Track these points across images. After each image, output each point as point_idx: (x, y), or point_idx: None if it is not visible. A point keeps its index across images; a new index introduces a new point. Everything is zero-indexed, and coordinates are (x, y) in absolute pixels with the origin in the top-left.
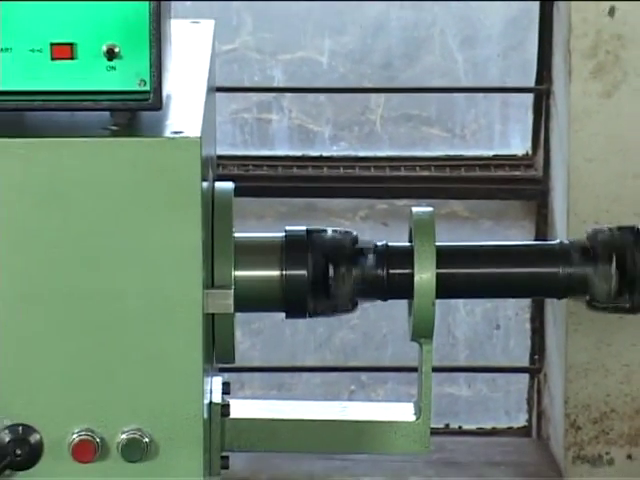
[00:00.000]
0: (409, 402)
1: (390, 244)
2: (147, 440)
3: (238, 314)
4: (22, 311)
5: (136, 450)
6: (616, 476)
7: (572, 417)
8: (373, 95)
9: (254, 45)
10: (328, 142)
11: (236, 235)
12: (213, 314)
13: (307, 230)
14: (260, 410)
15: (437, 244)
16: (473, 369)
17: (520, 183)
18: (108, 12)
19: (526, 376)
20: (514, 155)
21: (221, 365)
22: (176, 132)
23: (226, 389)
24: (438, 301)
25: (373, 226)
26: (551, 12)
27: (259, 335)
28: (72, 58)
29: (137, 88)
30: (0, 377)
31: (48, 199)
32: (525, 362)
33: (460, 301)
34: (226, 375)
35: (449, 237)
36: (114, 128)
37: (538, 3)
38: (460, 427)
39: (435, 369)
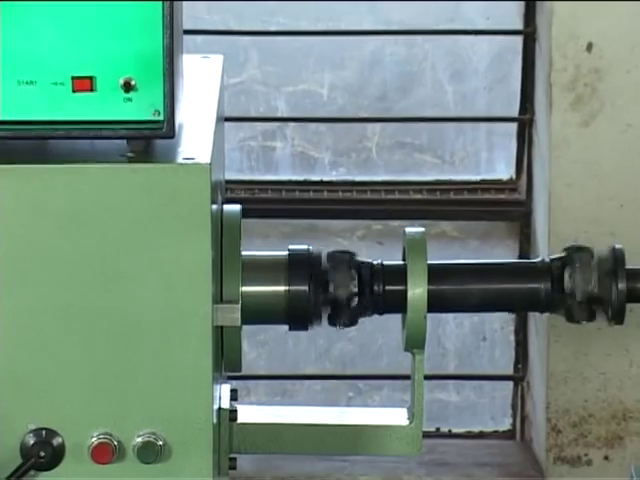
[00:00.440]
0: (403, 407)
1: (385, 262)
2: (161, 443)
3: (245, 326)
4: (46, 324)
5: (150, 452)
6: (594, 476)
7: (553, 421)
8: (369, 124)
9: (260, 78)
10: (328, 168)
11: (243, 253)
12: (222, 327)
13: (309, 249)
14: (265, 415)
15: (428, 262)
16: (461, 377)
17: (505, 205)
18: (125, 47)
19: (510, 383)
20: (499, 180)
21: (229, 373)
22: (188, 158)
23: (234, 396)
24: (429, 315)
25: (369, 245)
26: (533, 48)
27: (264, 346)
28: (92, 90)
29: (152, 118)
30: (26, 385)
31: (69, 221)
32: (509, 371)
33: (450, 315)
34: (234, 383)
35: (439, 255)
36: (130, 155)
37: (521, 39)
38: (450, 430)
39: (427, 377)
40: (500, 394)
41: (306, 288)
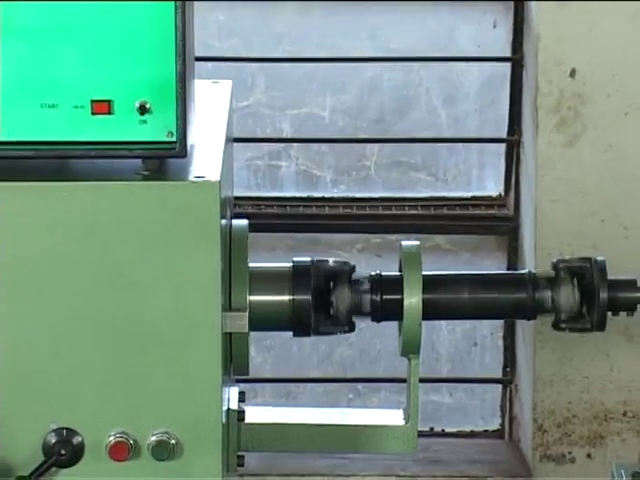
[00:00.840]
0: (399, 409)
1: (383, 273)
2: (174, 442)
3: (252, 333)
4: (67, 331)
5: (164, 450)
6: (577, 473)
7: (539, 421)
8: (368, 145)
9: (266, 102)
10: (329, 185)
11: (250, 265)
12: (230, 333)
13: (311, 261)
14: (271, 416)
15: (423, 273)
16: (454, 380)
17: (494, 220)
18: (140, 73)
19: (499, 386)
20: (489, 196)
21: (237, 377)
22: (199, 177)
23: (242, 397)
24: (424, 322)
25: (368, 257)
26: (520, 74)
27: (270, 351)
28: (109, 113)
29: (165, 139)
30: (48, 387)
31: (88, 234)
32: (498, 374)
33: (443, 322)
34: (242, 385)
35: (433, 267)
36: (145, 173)
37: (509, 66)
38: (443, 430)
39: (421, 380)
40: (490, 396)
41: (309, 297)
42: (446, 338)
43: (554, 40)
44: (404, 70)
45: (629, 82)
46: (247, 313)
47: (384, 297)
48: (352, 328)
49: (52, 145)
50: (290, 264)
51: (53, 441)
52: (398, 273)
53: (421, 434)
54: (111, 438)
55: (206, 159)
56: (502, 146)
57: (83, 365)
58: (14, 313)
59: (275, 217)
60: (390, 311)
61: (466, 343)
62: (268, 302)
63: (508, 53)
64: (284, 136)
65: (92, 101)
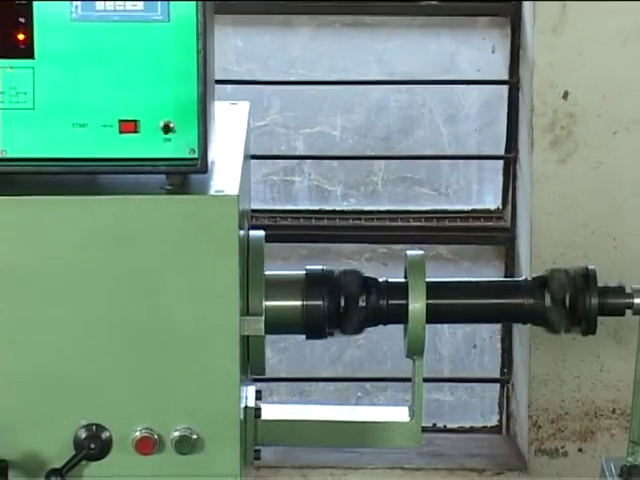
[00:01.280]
0: (404, 406)
1: (389, 280)
2: (195, 437)
3: (268, 336)
4: (96, 334)
5: (186, 445)
6: (569, 466)
7: (534, 418)
8: (375, 161)
9: (281, 122)
10: (340, 199)
11: (266, 273)
12: (248, 336)
13: (323, 269)
14: (285, 413)
15: (427, 280)
16: (455, 380)
17: (492, 232)
18: (165, 95)
19: (497, 385)
20: (488, 209)
21: (254, 376)
22: (218, 191)
23: (258, 396)
24: (427, 325)
25: (375, 266)
26: (517, 96)
27: (285, 352)
28: (136, 132)
29: (188, 156)
30: (78, 386)
31: (116, 245)
32: (496, 374)
33: (445, 325)
34: (258, 384)
35: (436, 274)
36: (169, 188)
37: (507, 88)
38: (445, 426)
39: (425, 380)
40: (488, 394)
41: (321, 303)
42: (448, 340)
43: (548, 65)
44: (409, 92)
45: (617, 103)
46: (263, 317)
47: (390, 302)
48: (361, 331)
49: (83, 161)
50: (303, 272)
51: (83, 436)
52: (403, 280)
53: (425, 430)
54: (137, 433)
55: (225, 174)
56: (500, 163)
57: (112, 366)
58: (49, 318)
59: (289, 228)
60: (396, 315)
61: (466, 345)
62: (283, 307)
63: (505, 76)
64: (298, 153)
65: (120, 121)
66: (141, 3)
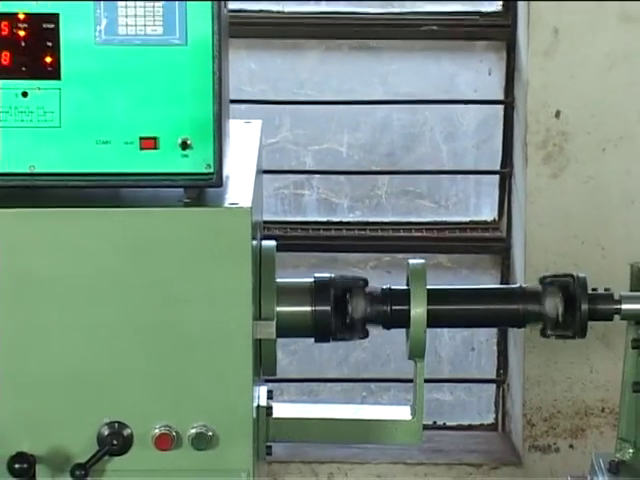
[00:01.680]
0: (406, 405)
1: (392, 287)
2: (211, 434)
3: (279, 339)
4: (118, 337)
5: (202, 441)
6: (561, 461)
7: (528, 416)
8: (380, 176)
9: (291, 139)
10: (346, 211)
11: (277, 280)
12: (260, 339)
13: (331, 276)
14: (295, 411)
15: (428, 287)
16: (454, 380)
17: (489, 242)
18: (183, 114)
19: (493, 386)
20: (485, 221)
21: (266, 377)
22: (233, 203)
23: (270, 395)
24: (428, 329)
25: (380, 274)
26: (512, 115)
27: (295, 354)
28: (155, 148)
29: (204, 171)
30: (102, 386)
31: (137, 253)
32: (493, 375)
33: (445, 329)
34: (270, 385)
35: (436, 282)
36: (187, 200)
37: (502, 108)
38: (444, 423)
39: (426, 380)
40: (485, 394)
41: (328, 308)
42: (447, 344)
43: (541, 86)
44: (411, 111)
45: (605, 122)
46: (275, 322)
47: (393, 308)
48: (366, 335)
49: (106, 176)
50: (312, 279)
51: (106, 433)
52: (406, 287)
53: (425, 427)
54: (156, 430)
55: (239, 188)
56: (496, 177)
57: (133, 367)
58: (74, 323)
59: (299, 239)
60: (399, 320)
61: (465, 348)
62: (293, 312)
63: (501, 96)
64: (307, 168)
65: (140, 138)
66: (160, 28)
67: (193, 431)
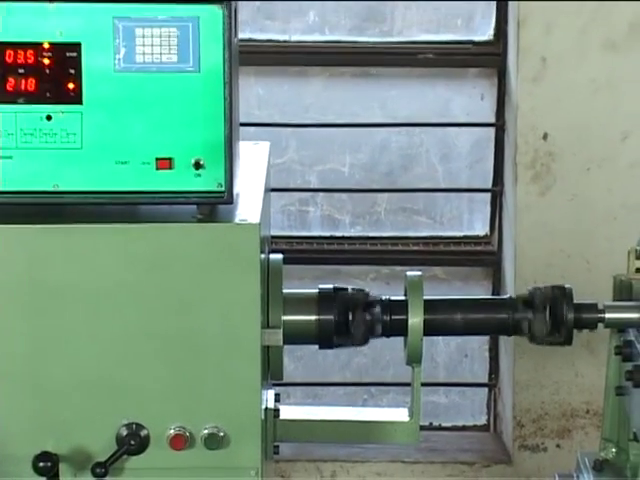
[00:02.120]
0: (404, 407)
1: (391, 297)
2: (222, 434)
3: (285, 346)
4: (135, 344)
5: (214, 441)
6: (549, 459)
7: (518, 418)
8: (379, 194)
9: (297, 159)
10: (348, 226)
11: (284, 291)
12: (268, 346)
13: (334, 287)
14: (301, 413)
15: (424, 297)
16: (449, 384)
17: (481, 255)
18: (196, 136)
19: (486, 389)
20: (477, 235)
21: (274, 381)
22: (242, 220)
23: (277, 398)
24: (425, 337)
25: (379, 285)
26: (502, 137)
27: (300, 360)
28: (170, 168)
29: (216, 189)
30: (121, 390)
31: (153, 266)
32: (485, 379)
33: (440, 337)
34: (277, 388)
35: (432, 292)
36: (199, 217)
37: (494, 130)
38: (440, 424)
39: (423, 384)
40: (478, 397)
41: (332, 317)
42: (443, 350)
43: (530, 109)
44: (408, 134)
45: (590, 144)
46: (281, 330)
47: (392, 317)
48: (366, 342)
49: (124, 194)
50: (316, 290)
51: (124, 433)
52: (404, 298)
53: (422, 428)
54: (171, 431)
55: (248, 205)
56: (488, 195)
57: (150, 372)
58: (95, 331)
59: (304, 252)
60: (397, 328)
61: (459, 354)
62: (299, 321)
63: (493, 120)
64: (311, 187)
65: (156, 158)
66: (175, 56)
67: (205, 432)
